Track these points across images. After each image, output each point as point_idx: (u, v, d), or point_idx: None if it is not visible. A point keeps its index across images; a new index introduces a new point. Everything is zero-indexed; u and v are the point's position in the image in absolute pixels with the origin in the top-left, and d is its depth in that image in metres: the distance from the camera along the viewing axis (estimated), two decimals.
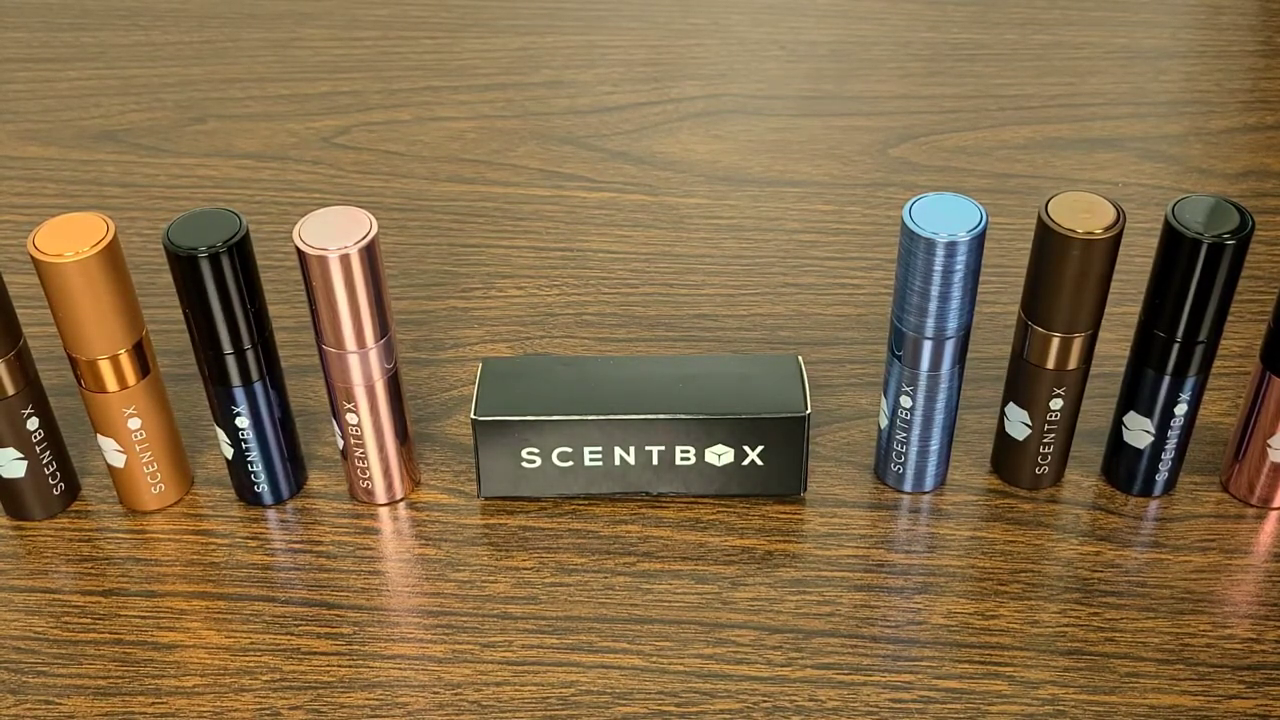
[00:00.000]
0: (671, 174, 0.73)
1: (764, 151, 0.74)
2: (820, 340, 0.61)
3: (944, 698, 0.46)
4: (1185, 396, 0.50)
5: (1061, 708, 0.46)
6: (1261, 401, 0.50)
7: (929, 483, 0.53)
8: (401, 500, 0.54)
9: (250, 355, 0.49)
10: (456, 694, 0.46)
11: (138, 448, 0.51)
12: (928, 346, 0.49)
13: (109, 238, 0.46)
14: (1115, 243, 0.46)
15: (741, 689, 0.46)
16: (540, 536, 0.52)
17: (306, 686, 0.47)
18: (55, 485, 0.53)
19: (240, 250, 0.47)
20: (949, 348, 0.49)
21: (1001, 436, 0.53)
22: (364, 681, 0.47)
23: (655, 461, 0.52)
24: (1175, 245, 0.46)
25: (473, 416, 0.51)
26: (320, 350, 0.49)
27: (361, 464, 0.52)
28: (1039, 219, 0.47)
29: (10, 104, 0.80)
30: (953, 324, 0.48)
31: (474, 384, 0.52)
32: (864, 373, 0.59)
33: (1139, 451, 0.52)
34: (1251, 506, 0.53)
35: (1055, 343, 0.49)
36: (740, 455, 0.52)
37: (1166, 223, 0.46)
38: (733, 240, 0.68)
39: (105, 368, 0.49)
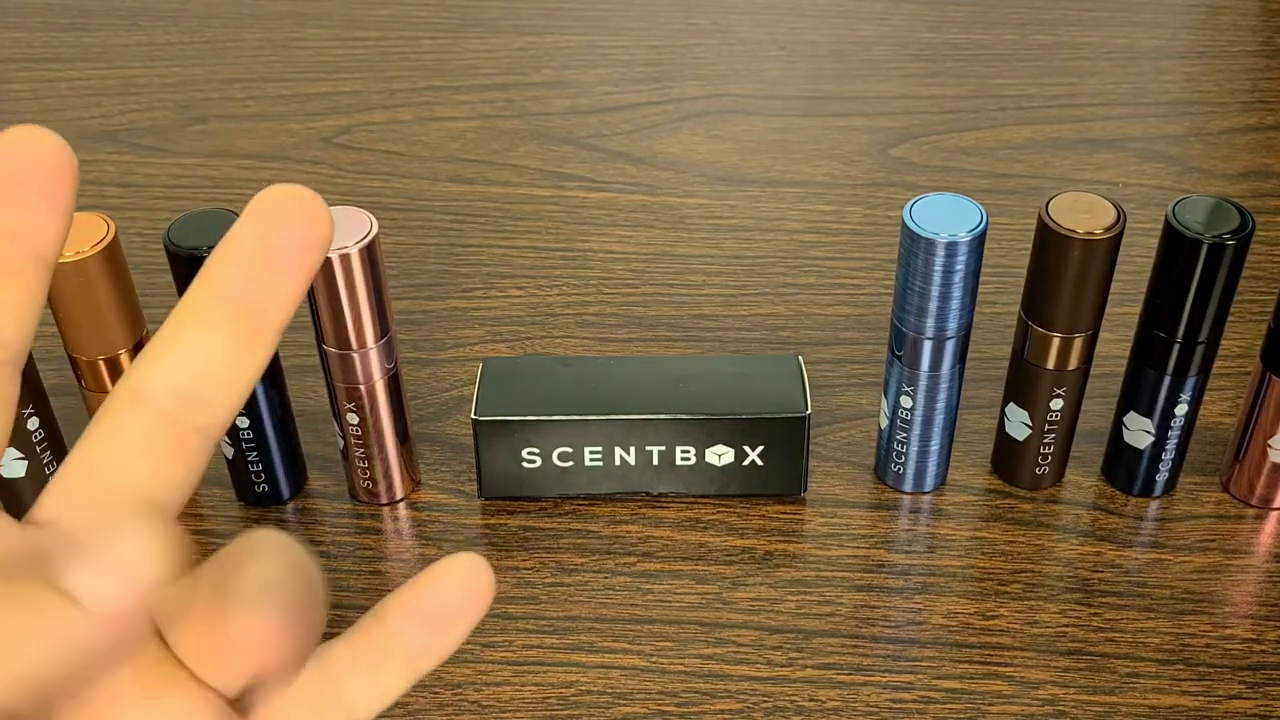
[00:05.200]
0: (672, 174, 0.73)
1: (764, 152, 0.74)
2: (820, 340, 0.61)
3: (944, 698, 0.46)
4: (1185, 397, 0.50)
5: (1061, 708, 0.46)
6: (1262, 402, 0.50)
7: (929, 483, 0.53)
8: (402, 500, 0.54)
9: None
10: (457, 694, 0.46)
11: None
12: (928, 347, 0.49)
13: (109, 238, 0.46)
14: (1115, 243, 0.46)
15: (742, 689, 0.46)
16: (540, 536, 0.52)
17: None
18: None
19: None
20: (949, 348, 0.49)
21: (1002, 437, 0.53)
22: None
23: (655, 462, 0.52)
24: (1176, 245, 0.46)
25: (473, 416, 0.51)
26: (321, 350, 0.49)
27: (362, 464, 0.52)
28: (1039, 219, 0.47)
29: (10, 104, 0.80)
30: (953, 324, 0.48)
31: (474, 384, 0.52)
32: (864, 373, 0.59)
33: (1139, 452, 0.52)
34: (1252, 507, 0.53)
35: (1055, 343, 0.49)
36: (740, 455, 0.52)
37: (1167, 223, 0.46)
38: (733, 240, 0.68)
39: (106, 368, 0.49)
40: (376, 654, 0.27)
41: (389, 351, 0.50)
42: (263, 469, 0.52)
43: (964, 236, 0.46)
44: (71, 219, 0.23)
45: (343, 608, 0.49)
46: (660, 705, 0.46)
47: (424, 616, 0.27)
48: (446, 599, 0.27)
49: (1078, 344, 0.49)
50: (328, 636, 0.51)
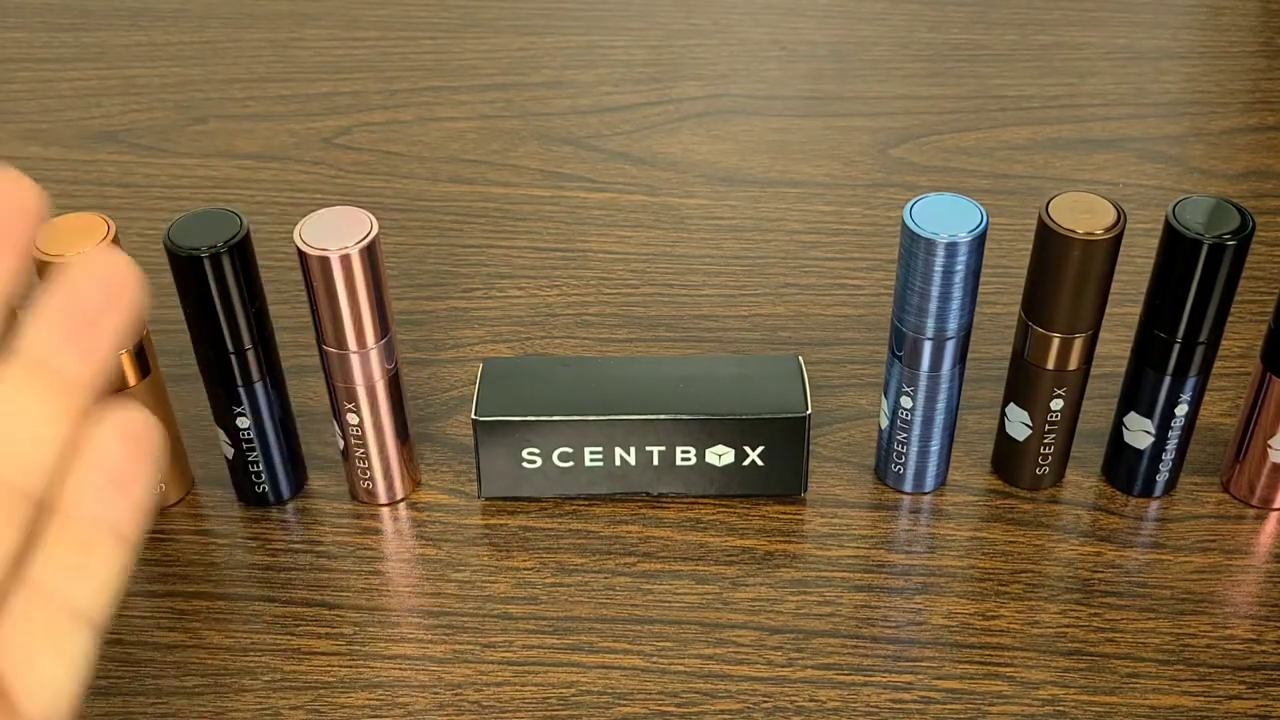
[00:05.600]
0: (672, 174, 0.73)
1: (764, 152, 0.74)
2: (821, 341, 0.61)
3: (944, 698, 0.46)
4: (1186, 397, 0.50)
5: (1062, 708, 0.46)
6: (1262, 402, 0.50)
7: (929, 483, 0.53)
8: (402, 500, 0.54)
9: (251, 355, 0.49)
10: (457, 694, 0.46)
11: None
12: (928, 347, 0.49)
13: (109, 238, 0.46)
14: (1116, 243, 0.46)
15: (742, 689, 0.46)
16: (541, 537, 0.52)
17: (307, 686, 0.47)
18: None
19: (241, 250, 0.47)
20: (949, 348, 0.49)
21: (1002, 437, 0.53)
22: (364, 682, 0.47)
23: (656, 462, 0.52)
24: (1176, 246, 0.46)
25: (473, 417, 0.51)
26: (321, 350, 0.49)
27: (362, 464, 0.52)
28: (1039, 219, 0.47)
29: (11, 104, 0.80)
30: (953, 324, 0.48)
31: (474, 384, 0.52)
32: (864, 373, 0.59)
33: (1139, 452, 0.52)
34: (1252, 507, 0.53)
35: (1056, 343, 0.49)
36: (741, 455, 0.52)
37: (1167, 223, 0.46)
38: (733, 241, 0.68)
39: None
40: (77, 546, 0.26)
41: (389, 352, 0.50)
42: (263, 469, 0.52)
43: (964, 237, 0.46)
44: (29, 257, 0.25)
45: (342, 607, 0.49)
46: (660, 705, 0.46)
47: (101, 483, 0.25)
48: (113, 456, 0.25)
49: (1078, 344, 0.49)
50: (325, 638, 0.51)
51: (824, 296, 0.64)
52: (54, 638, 0.26)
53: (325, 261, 0.46)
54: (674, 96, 0.79)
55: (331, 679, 0.47)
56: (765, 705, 0.46)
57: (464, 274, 0.66)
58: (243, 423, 0.51)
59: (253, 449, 0.52)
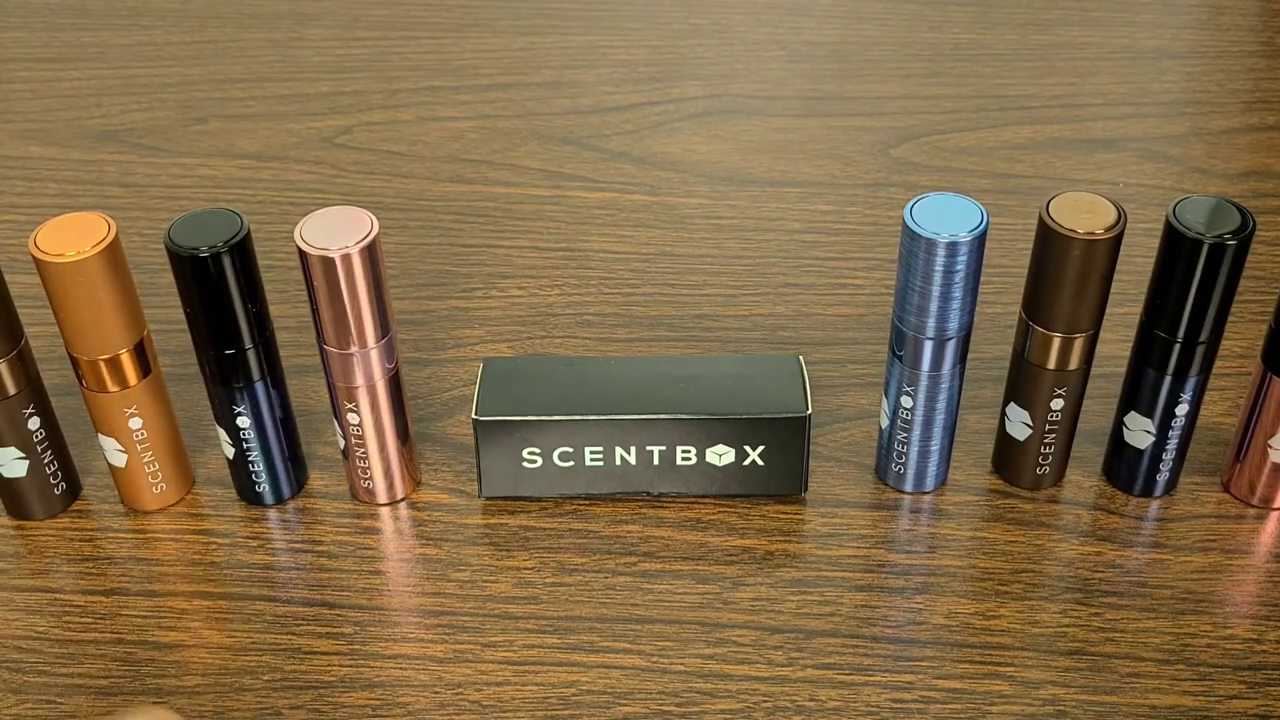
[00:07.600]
0: (672, 174, 0.73)
1: (765, 152, 0.74)
2: (821, 340, 0.61)
3: (945, 698, 0.46)
4: (1186, 397, 0.50)
5: (1062, 708, 0.46)
6: (1262, 402, 0.50)
7: (930, 483, 0.53)
8: (402, 500, 0.54)
9: (251, 355, 0.49)
10: (457, 694, 0.46)
11: (139, 447, 0.51)
12: (929, 347, 0.49)
13: (110, 237, 0.46)
14: (1116, 243, 0.46)
15: (742, 689, 0.46)
16: (541, 536, 0.52)
17: (307, 686, 0.47)
18: (56, 485, 0.53)
19: (241, 250, 0.47)
20: (950, 348, 0.49)
21: (1002, 437, 0.53)
22: (365, 681, 0.47)
23: (656, 461, 0.52)
24: (1176, 245, 0.46)
25: (474, 416, 0.51)
26: (321, 350, 0.49)
27: (363, 464, 0.52)
28: (1040, 219, 0.47)
29: (11, 104, 0.80)
30: (954, 324, 0.48)
31: (475, 384, 0.52)
32: (865, 373, 0.59)
33: (1140, 452, 0.52)
34: (1252, 507, 0.53)
35: (1056, 343, 0.49)
36: (741, 455, 0.52)
37: (1168, 223, 0.46)
38: (734, 240, 0.68)
39: (106, 368, 0.49)
40: None
41: (389, 351, 0.50)
42: (263, 469, 0.52)
43: (965, 236, 0.46)
44: None
45: (342, 607, 0.49)
46: (661, 705, 0.46)
47: None
48: None
49: (1078, 344, 0.49)
50: (326, 638, 0.51)
51: (824, 296, 0.64)
52: None
53: (325, 261, 0.46)
54: (674, 96, 0.79)
55: (331, 679, 0.47)
56: (765, 705, 0.46)
57: (464, 274, 0.66)
58: (243, 423, 0.51)
59: (253, 449, 0.52)
